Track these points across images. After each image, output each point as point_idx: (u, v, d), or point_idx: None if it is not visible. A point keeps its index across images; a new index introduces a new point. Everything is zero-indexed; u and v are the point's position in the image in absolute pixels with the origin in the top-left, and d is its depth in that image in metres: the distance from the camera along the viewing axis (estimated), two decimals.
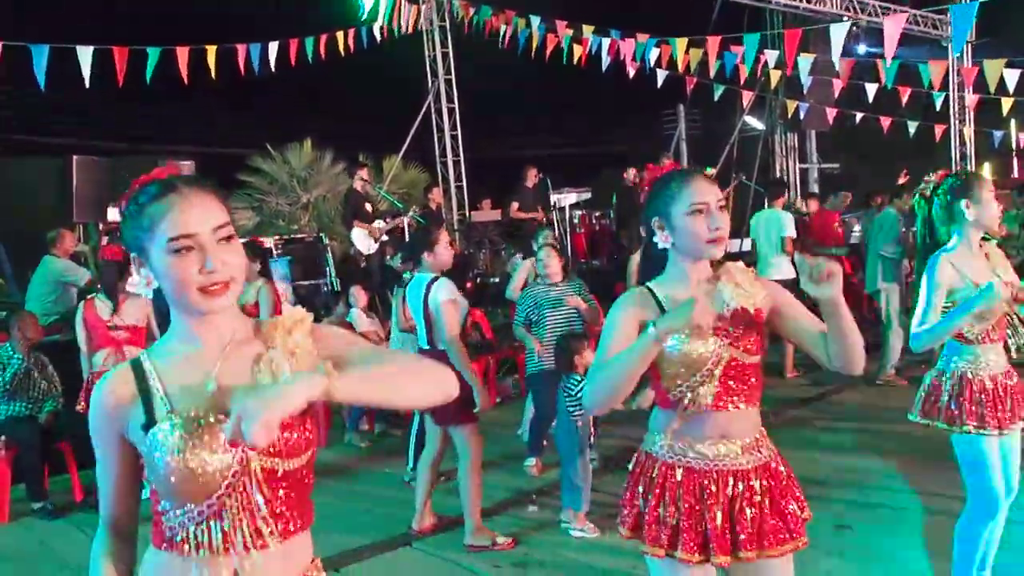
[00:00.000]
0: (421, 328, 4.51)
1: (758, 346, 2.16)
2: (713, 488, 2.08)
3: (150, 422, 1.48)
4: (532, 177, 10.78)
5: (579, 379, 4.57)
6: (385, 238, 9.46)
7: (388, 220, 9.59)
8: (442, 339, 4.33)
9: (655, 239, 2.17)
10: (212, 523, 1.47)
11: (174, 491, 1.46)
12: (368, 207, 9.46)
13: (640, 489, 2.15)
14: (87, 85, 7.93)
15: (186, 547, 1.48)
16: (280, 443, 1.50)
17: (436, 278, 4.41)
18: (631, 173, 10.65)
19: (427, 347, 4.45)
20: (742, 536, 2.06)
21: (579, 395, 4.51)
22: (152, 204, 1.48)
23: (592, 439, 4.78)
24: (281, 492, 1.51)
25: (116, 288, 5.23)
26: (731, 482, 2.09)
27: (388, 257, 8.60)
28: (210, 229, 1.48)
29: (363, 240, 9.23)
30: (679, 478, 2.09)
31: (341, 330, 1.70)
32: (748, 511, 2.08)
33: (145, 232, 1.48)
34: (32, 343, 5.67)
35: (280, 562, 1.52)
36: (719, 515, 2.06)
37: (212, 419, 1.46)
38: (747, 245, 10.16)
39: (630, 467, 2.24)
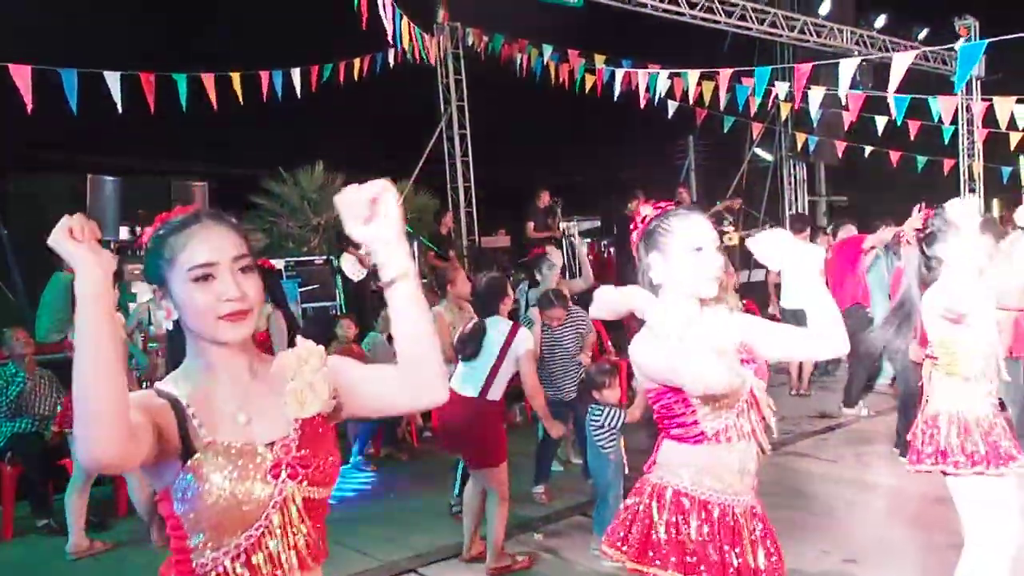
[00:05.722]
0: (480, 372, 4.44)
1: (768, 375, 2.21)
2: (743, 522, 2.12)
3: (187, 452, 1.45)
4: (545, 199, 10.88)
5: (601, 412, 4.48)
6: (371, 265, 9.42)
7: None
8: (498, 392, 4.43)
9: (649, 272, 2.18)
10: (252, 556, 1.46)
11: (215, 523, 1.44)
12: None
13: (687, 529, 2.11)
14: (120, 110, 8.00)
15: None
16: (319, 473, 1.53)
17: (517, 324, 4.50)
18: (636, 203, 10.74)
19: (473, 395, 4.41)
20: (765, 567, 2.12)
21: (608, 425, 4.47)
22: (173, 235, 1.50)
23: (626, 469, 4.59)
24: (313, 520, 1.54)
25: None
26: (749, 519, 2.14)
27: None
28: (230, 259, 1.50)
29: (352, 267, 9.18)
30: (716, 516, 2.10)
31: (350, 360, 1.71)
32: (761, 549, 2.14)
33: (166, 263, 1.49)
34: (24, 358, 5.61)
35: None
36: (749, 551, 2.10)
37: (251, 449, 1.49)
38: (757, 275, 10.19)
39: (647, 501, 2.19)
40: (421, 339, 1.55)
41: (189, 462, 1.44)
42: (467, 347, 4.49)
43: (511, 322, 4.49)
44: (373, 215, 1.49)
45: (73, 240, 1.31)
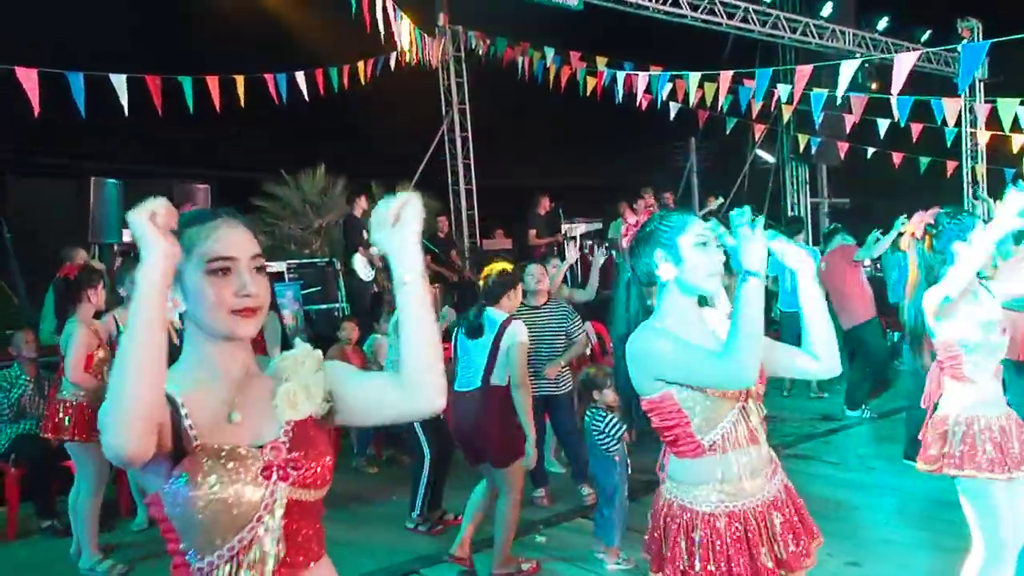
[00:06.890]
0: (477, 365, 4.38)
1: (764, 377, 2.21)
2: (754, 524, 2.10)
3: (178, 454, 1.44)
4: (545, 205, 10.89)
5: (604, 415, 4.44)
6: (380, 264, 9.45)
7: None
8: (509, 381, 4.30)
9: (655, 272, 2.17)
10: (243, 557, 1.45)
11: (205, 526, 1.43)
12: (365, 234, 9.46)
13: (683, 545, 2.11)
14: (126, 113, 7.99)
15: None
16: (310, 475, 1.53)
17: (511, 318, 4.39)
18: (640, 205, 10.73)
19: (475, 387, 4.35)
20: (785, 557, 2.11)
21: (608, 430, 4.42)
22: (192, 226, 1.51)
23: (629, 469, 4.57)
24: (305, 522, 1.53)
25: (64, 310, 4.94)
26: (768, 514, 2.13)
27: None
28: (248, 256, 1.53)
29: (363, 266, 9.23)
30: (721, 527, 2.09)
31: (348, 365, 1.73)
32: (788, 536, 2.13)
33: (183, 252, 1.48)
34: (28, 360, 5.63)
35: None
36: (764, 552, 2.09)
37: (242, 451, 1.48)
38: None
39: (657, 518, 2.21)
40: (425, 344, 1.55)
41: (178, 465, 1.43)
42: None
43: (505, 315, 4.40)
44: (395, 222, 1.52)
45: (152, 225, 1.32)
